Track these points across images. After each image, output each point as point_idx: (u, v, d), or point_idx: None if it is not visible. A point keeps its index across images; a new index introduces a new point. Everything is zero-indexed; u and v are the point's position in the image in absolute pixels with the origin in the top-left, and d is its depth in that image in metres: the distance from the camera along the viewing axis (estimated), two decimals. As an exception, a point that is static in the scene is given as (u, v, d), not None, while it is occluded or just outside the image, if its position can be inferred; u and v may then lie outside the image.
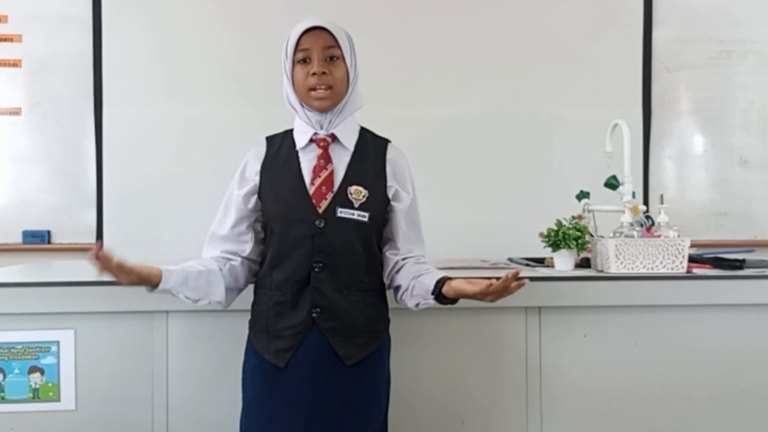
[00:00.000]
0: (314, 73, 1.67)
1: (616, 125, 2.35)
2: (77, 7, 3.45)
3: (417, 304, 1.72)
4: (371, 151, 1.76)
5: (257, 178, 1.73)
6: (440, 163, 3.35)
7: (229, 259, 1.75)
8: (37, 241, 3.45)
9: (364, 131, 1.79)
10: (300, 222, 1.65)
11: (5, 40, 3.45)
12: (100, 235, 3.43)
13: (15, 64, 3.45)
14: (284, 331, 1.67)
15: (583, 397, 2.08)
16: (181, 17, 3.47)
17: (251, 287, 1.80)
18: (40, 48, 3.46)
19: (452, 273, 2.17)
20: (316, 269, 1.66)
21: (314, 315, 1.66)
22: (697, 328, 2.10)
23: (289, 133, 1.78)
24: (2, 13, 3.45)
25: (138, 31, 3.45)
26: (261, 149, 1.78)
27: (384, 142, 1.80)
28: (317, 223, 1.65)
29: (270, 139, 1.80)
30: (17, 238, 3.46)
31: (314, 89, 1.68)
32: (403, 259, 1.76)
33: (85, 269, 2.68)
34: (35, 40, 3.46)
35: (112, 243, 3.37)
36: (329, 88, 1.68)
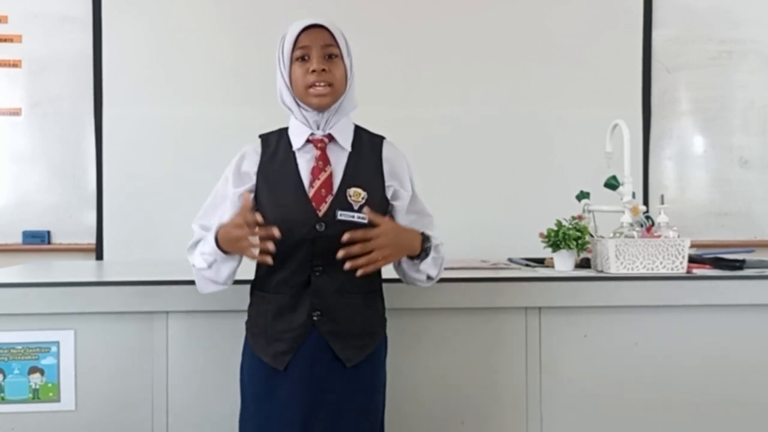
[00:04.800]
0: (314, 70, 1.65)
1: (616, 125, 2.35)
2: (77, 7, 3.45)
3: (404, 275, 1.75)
4: (367, 150, 1.74)
5: (254, 179, 1.70)
6: (440, 163, 3.35)
7: None
8: (37, 241, 3.45)
9: (359, 130, 1.77)
10: (300, 226, 1.63)
11: (5, 40, 3.45)
12: (100, 235, 3.43)
13: (15, 64, 3.45)
14: (283, 334, 1.66)
15: (583, 397, 2.08)
16: (181, 17, 3.48)
17: (247, 288, 1.77)
18: (40, 48, 3.46)
19: (452, 273, 2.19)
20: (317, 272, 1.65)
21: (315, 318, 1.64)
22: (697, 328, 2.10)
23: (284, 132, 1.74)
24: (2, 13, 3.45)
25: (138, 31, 3.45)
26: (256, 146, 1.73)
27: (379, 140, 1.77)
28: (318, 226, 1.63)
29: (265, 139, 1.75)
30: (17, 239, 3.46)
31: (313, 86, 1.65)
32: None
33: (85, 269, 2.69)
34: (35, 40, 3.46)
35: (112, 243, 3.43)
36: (329, 85, 1.66)
